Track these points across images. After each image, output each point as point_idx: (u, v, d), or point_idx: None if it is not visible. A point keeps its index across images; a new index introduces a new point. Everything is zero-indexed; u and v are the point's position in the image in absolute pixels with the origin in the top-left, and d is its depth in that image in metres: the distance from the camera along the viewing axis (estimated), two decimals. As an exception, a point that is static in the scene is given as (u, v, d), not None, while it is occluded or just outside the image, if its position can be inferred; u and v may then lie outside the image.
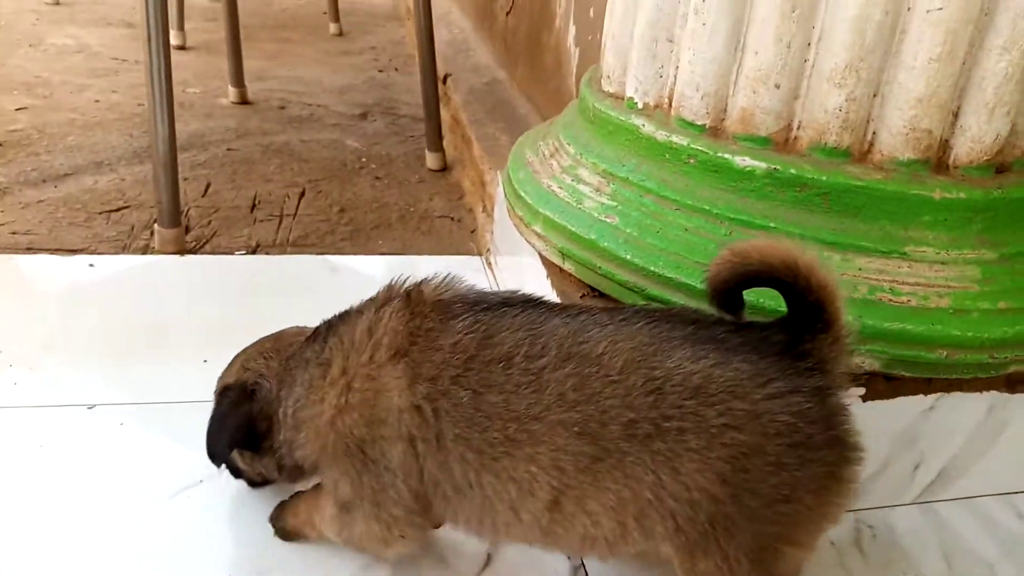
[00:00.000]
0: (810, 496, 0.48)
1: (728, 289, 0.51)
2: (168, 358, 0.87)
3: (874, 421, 0.69)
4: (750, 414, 0.47)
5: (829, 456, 0.48)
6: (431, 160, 1.54)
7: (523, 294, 0.57)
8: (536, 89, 1.54)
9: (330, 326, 0.61)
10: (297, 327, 0.67)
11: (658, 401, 0.48)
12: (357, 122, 1.76)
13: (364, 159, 1.57)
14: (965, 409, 0.72)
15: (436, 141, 1.54)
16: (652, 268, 0.70)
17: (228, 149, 1.53)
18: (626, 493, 0.49)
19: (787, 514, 0.47)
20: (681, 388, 0.48)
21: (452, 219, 1.36)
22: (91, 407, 0.80)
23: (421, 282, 0.58)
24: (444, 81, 1.81)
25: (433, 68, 1.50)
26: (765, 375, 0.48)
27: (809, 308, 0.49)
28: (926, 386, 0.70)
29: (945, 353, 0.66)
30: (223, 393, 0.65)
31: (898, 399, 0.69)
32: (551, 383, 0.50)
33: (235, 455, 0.66)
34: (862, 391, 0.69)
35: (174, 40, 2.07)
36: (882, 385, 0.69)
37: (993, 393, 0.72)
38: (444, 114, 1.73)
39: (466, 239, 1.29)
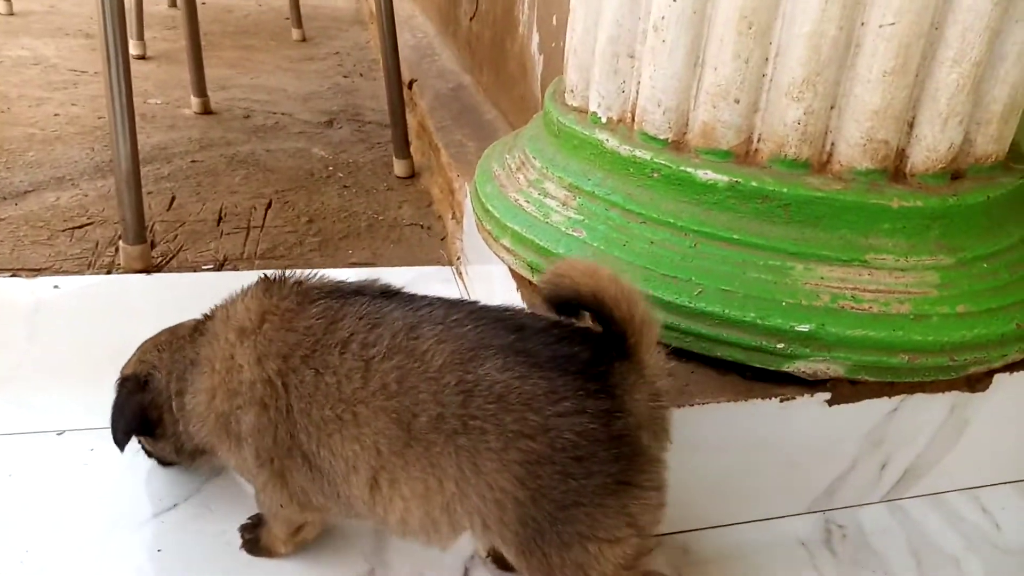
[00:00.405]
0: (602, 500, 0.52)
1: (556, 303, 0.56)
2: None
3: (841, 424, 0.72)
4: (541, 427, 0.51)
5: (614, 469, 0.51)
6: (399, 167, 1.54)
7: (382, 284, 0.62)
8: (502, 95, 1.54)
9: (207, 316, 0.67)
10: (196, 318, 0.70)
11: (466, 402, 0.52)
12: (323, 130, 1.75)
13: (331, 167, 1.56)
14: (928, 409, 0.74)
15: (403, 148, 1.54)
16: (621, 282, 0.71)
17: (192, 161, 1.51)
18: (432, 482, 0.54)
19: (583, 516, 0.52)
20: (487, 393, 0.52)
21: (422, 227, 1.36)
22: (60, 433, 0.79)
23: (286, 273, 0.64)
24: (410, 87, 1.81)
25: (398, 74, 1.49)
26: (559, 393, 0.52)
27: (616, 335, 0.53)
28: (890, 389, 0.72)
29: (907, 358, 0.68)
30: (121, 384, 0.70)
31: (863, 402, 0.71)
32: (378, 372, 0.55)
33: (143, 440, 0.72)
34: (828, 396, 0.70)
35: (134, 50, 2.04)
36: (847, 389, 0.71)
37: (955, 393, 0.74)
38: (411, 120, 1.73)
39: (436, 247, 1.29)
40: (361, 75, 2.16)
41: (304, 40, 2.41)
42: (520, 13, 1.42)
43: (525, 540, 0.53)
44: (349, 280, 0.63)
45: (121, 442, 0.68)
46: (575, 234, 0.75)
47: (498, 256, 0.84)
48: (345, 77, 2.14)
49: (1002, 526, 0.77)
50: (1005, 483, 0.82)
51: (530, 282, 0.80)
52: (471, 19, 1.78)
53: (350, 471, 0.56)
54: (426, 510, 0.55)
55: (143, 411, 0.67)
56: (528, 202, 0.80)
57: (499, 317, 0.56)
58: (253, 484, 0.64)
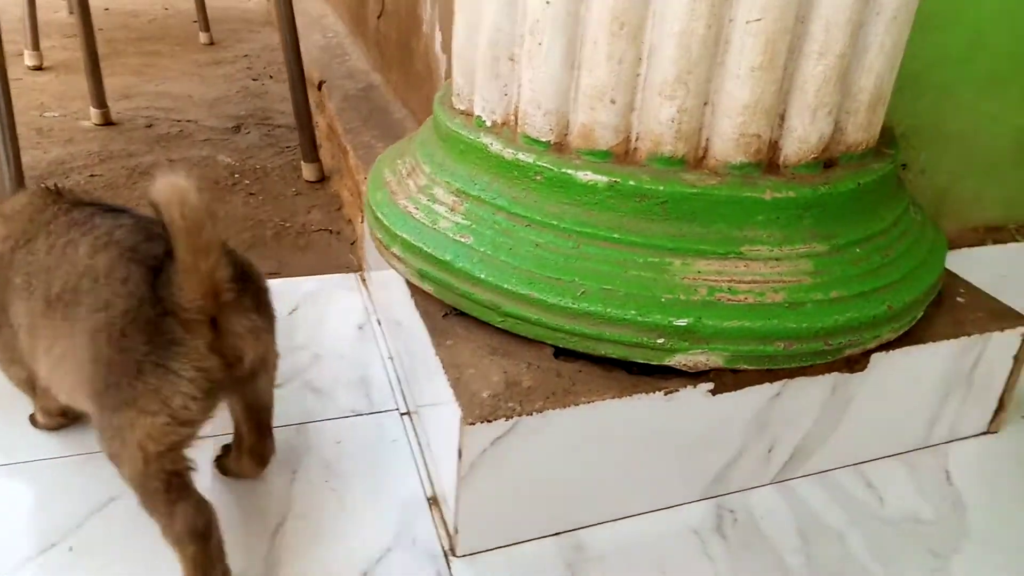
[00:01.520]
0: (140, 376, 0.60)
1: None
2: (22, 416, 0.83)
3: (726, 412, 0.74)
4: (105, 303, 0.62)
5: (147, 350, 0.60)
6: (307, 171, 1.52)
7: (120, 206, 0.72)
8: (411, 95, 1.53)
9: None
10: None
11: (80, 281, 0.63)
12: (230, 136, 1.71)
13: (237, 175, 1.53)
14: (810, 392, 0.77)
15: (311, 151, 1.52)
16: (506, 286, 0.71)
17: (91, 175, 1.46)
18: (55, 344, 0.65)
19: (126, 385, 0.61)
20: (92, 274, 0.63)
21: (331, 232, 1.35)
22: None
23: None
24: (319, 88, 1.78)
25: (301, 75, 1.47)
26: (122, 277, 0.62)
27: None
28: (771, 375, 0.74)
29: (783, 345, 0.71)
30: None
31: (745, 389, 0.73)
32: (51, 255, 0.66)
33: None
34: (711, 386, 0.72)
35: (30, 61, 1.96)
36: (729, 378, 0.73)
37: (835, 375, 0.77)
38: (321, 122, 1.70)
39: (346, 252, 1.28)
40: (271, 77, 2.12)
41: (212, 44, 2.35)
42: (423, 12, 1.41)
43: (93, 398, 0.63)
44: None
45: None
46: (462, 240, 0.75)
47: (390, 264, 0.83)
48: (255, 80, 2.09)
49: (885, 499, 0.80)
50: (889, 456, 0.86)
51: (423, 290, 0.80)
52: (378, 18, 1.76)
53: (20, 329, 0.68)
54: (51, 367, 0.66)
55: None
56: (417, 209, 0.80)
57: (147, 226, 0.66)
58: None
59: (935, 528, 0.77)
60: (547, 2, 0.71)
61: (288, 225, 1.36)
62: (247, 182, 1.51)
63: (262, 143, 1.69)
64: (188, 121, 1.77)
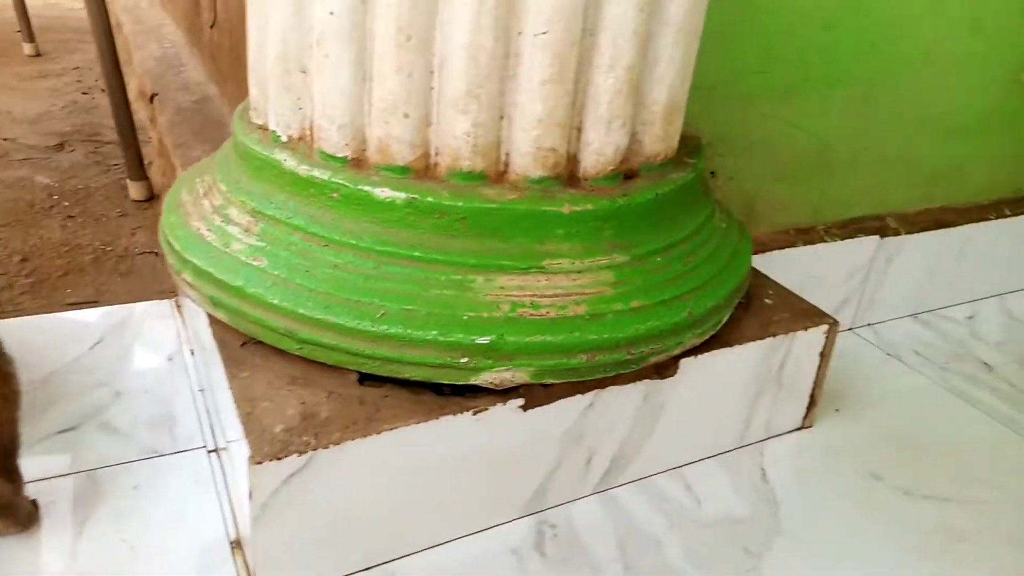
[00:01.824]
0: None
1: None
2: None
3: (539, 426, 0.73)
4: None
5: None
6: (134, 190, 1.43)
7: None
8: (243, 108, 1.46)
9: None
10: None
11: None
12: (51, 154, 1.59)
13: (56, 196, 1.42)
14: (622, 401, 0.77)
15: (138, 169, 1.43)
16: (301, 311, 0.68)
17: None
18: None
19: None
20: None
21: (156, 254, 1.27)
22: None
23: None
24: (151, 100, 1.68)
25: (122, 87, 1.38)
26: None
27: None
28: (581, 386, 0.74)
29: (586, 357, 0.70)
30: None
31: (557, 403, 0.73)
32: None
33: None
34: (521, 402, 0.71)
35: None
36: (539, 392, 0.72)
37: (645, 382, 0.78)
38: (153, 137, 1.61)
39: (168, 276, 1.20)
40: (103, 91, 1.98)
41: (38, 55, 2.19)
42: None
43: None
44: None
45: None
46: (256, 263, 0.71)
47: (183, 292, 0.78)
48: (84, 94, 1.96)
49: (703, 500, 0.82)
50: (708, 458, 0.87)
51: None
52: (211, 27, 1.68)
53: None
54: None
55: None
56: (210, 231, 0.75)
57: None
58: None
59: (749, 527, 0.80)
60: (331, 12, 0.68)
61: (109, 249, 1.27)
62: (66, 204, 1.40)
63: (87, 161, 1.58)
64: (5, 139, 1.63)
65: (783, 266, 1.05)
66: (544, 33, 0.68)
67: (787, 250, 1.06)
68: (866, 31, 0.98)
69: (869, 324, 1.19)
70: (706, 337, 0.80)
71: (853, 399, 1.01)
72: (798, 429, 0.94)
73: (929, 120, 1.11)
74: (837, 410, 0.99)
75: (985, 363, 1.12)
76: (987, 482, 0.89)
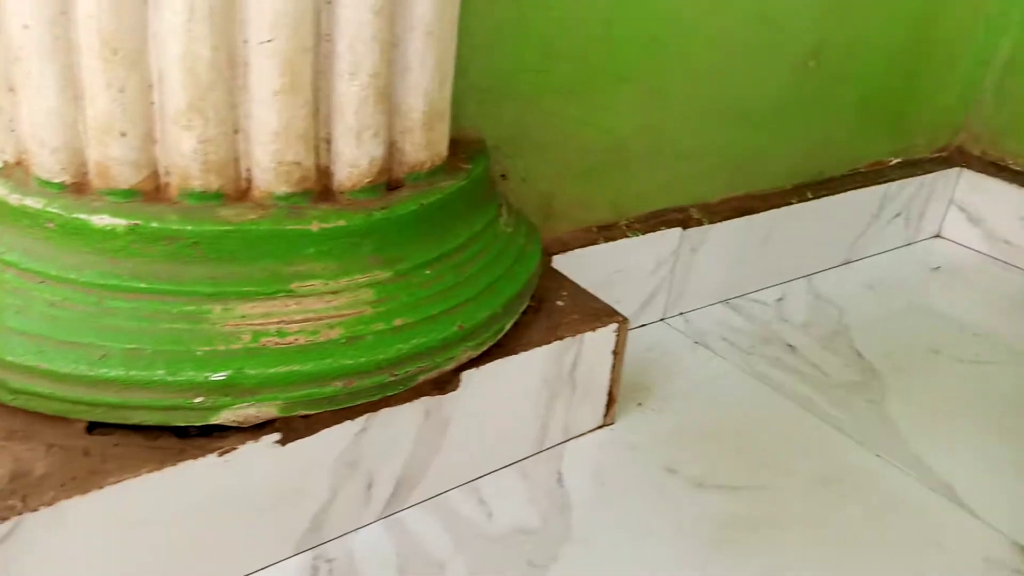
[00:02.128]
0: None
1: None
2: None
3: (304, 459, 0.69)
4: None
5: None
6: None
7: None
8: None
9: None
10: None
11: None
12: None
13: None
14: (400, 421, 0.74)
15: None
16: (10, 358, 0.61)
17: None
18: None
19: None
20: None
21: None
22: None
23: None
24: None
25: None
26: None
27: None
28: (351, 411, 0.70)
29: (342, 384, 0.67)
30: None
31: (321, 433, 0.69)
32: None
33: None
34: (278, 436, 0.67)
35: None
36: (299, 424, 0.68)
37: (424, 399, 0.75)
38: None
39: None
40: None
41: None
42: None
43: None
44: None
45: None
46: (-41, 307, 0.63)
47: None
48: None
49: (494, 513, 0.80)
50: (505, 467, 0.86)
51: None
52: None
53: None
54: None
55: None
56: (-88, 273, 0.67)
57: None
58: None
59: (538, 537, 0.78)
60: (25, 26, 0.61)
61: None
62: None
63: None
64: None
65: (587, 264, 1.05)
66: (269, 41, 0.63)
67: (590, 248, 1.05)
68: (646, 25, 0.98)
69: (681, 313, 1.21)
70: (485, 348, 0.77)
71: (658, 392, 1.02)
72: (599, 428, 0.94)
73: (723, 110, 1.13)
74: (640, 404, 0.99)
75: (789, 345, 1.16)
76: (779, 466, 0.91)
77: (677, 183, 1.14)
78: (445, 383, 0.76)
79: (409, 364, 0.70)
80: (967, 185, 1.54)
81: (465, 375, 0.77)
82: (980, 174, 1.52)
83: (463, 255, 0.77)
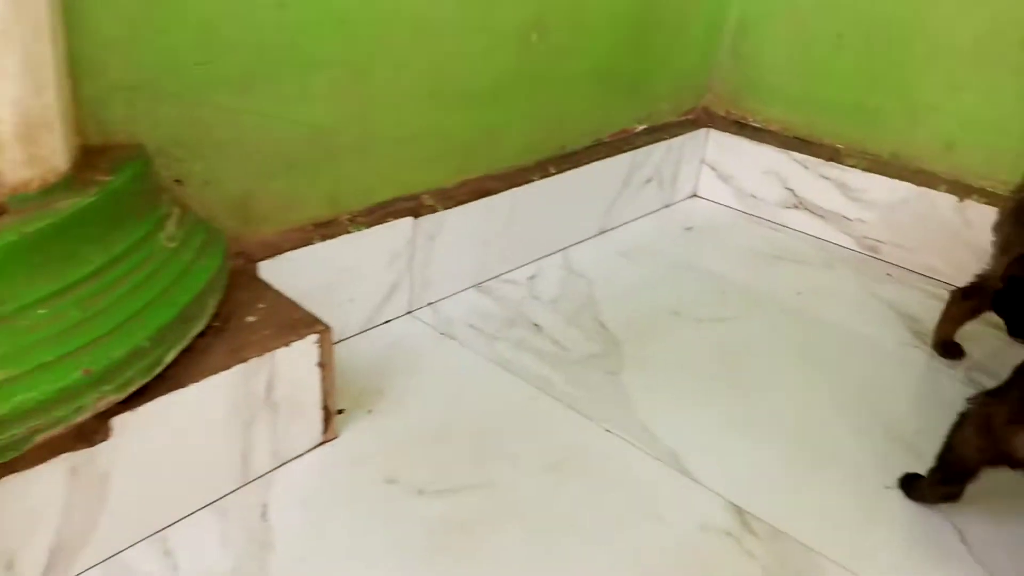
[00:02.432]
0: None
1: None
2: None
3: None
4: None
5: None
6: None
7: None
8: None
9: None
10: None
11: None
12: None
13: None
14: (37, 486, 0.64)
15: None
16: None
17: None
18: None
19: None
20: None
21: None
22: None
23: None
24: None
25: None
26: None
27: None
28: (-40, 485, 0.60)
29: (-80, 461, 0.56)
30: None
31: (-84, 519, 0.58)
32: None
33: None
34: None
35: None
36: None
37: (65, 456, 0.66)
38: None
39: None
40: None
41: None
42: None
43: None
44: None
45: None
46: None
47: None
48: None
49: (180, 565, 0.72)
50: (202, 508, 0.78)
51: None
52: None
53: None
54: None
55: None
56: None
57: None
58: None
59: (231, 583, 0.71)
60: None
61: None
62: None
63: None
64: None
65: (305, 267, 0.97)
66: None
67: (306, 248, 0.98)
68: (329, 6, 0.90)
69: (430, 304, 1.17)
70: (135, 387, 0.68)
71: (392, 394, 0.97)
72: (319, 446, 0.87)
73: (439, 92, 1.08)
74: (370, 411, 0.94)
75: (536, 324, 1.14)
76: (506, 456, 0.89)
77: (402, 171, 1.08)
78: (92, 433, 0.67)
79: (20, 424, 0.60)
80: (715, 145, 1.59)
81: (116, 421, 0.68)
82: (725, 133, 1.57)
83: (94, 285, 0.67)
